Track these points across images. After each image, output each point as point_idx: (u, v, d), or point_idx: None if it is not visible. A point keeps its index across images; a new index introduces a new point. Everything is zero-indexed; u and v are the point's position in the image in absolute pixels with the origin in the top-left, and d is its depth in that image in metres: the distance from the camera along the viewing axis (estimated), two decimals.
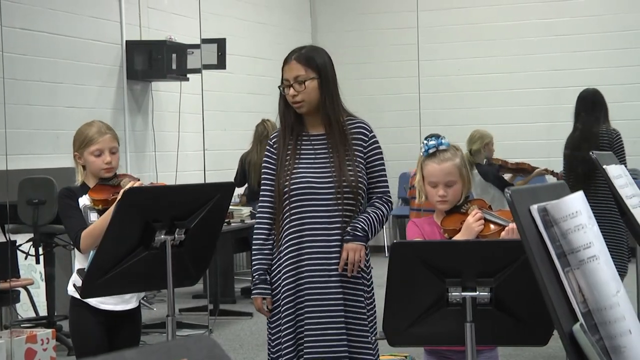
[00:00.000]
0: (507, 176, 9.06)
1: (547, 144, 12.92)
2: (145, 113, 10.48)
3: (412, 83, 12.34)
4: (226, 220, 8.38)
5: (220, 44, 10.52)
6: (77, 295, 4.23)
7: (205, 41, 9.91)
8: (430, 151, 3.87)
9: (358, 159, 4.15)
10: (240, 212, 9.57)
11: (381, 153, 4.23)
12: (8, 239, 7.15)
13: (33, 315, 8.03)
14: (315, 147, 4.18)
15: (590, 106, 7.72)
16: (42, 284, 8.08)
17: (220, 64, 10.56)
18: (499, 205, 7.87)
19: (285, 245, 4.11)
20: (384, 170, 4.23)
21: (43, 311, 7.99)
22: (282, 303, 4.11)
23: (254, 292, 4.17)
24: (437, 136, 4.05)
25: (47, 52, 9.02)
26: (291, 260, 4.10)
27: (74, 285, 4.03)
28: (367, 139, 4.20)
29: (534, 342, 3.35)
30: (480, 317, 3.10)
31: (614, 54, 12.67)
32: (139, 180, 4.37)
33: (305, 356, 4.07)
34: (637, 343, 1.80)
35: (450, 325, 3.15)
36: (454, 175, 3.83)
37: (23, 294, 7.71)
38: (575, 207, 1.84)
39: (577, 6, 12.95)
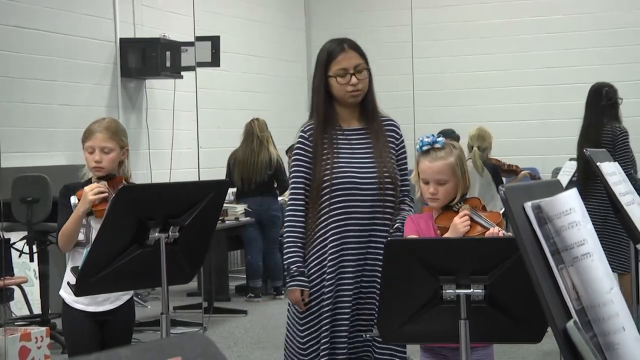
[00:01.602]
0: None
1: (540, 141, 12.94)
2: (139, 111, 10.47)
3: (406, 80, 12.34)
4: (220, 218, 8.38)
5: (214, 41, 10.51)
6: (66, 297, 4.24)
7: (199, 39, 9.91)
8: (424, 148, 3.87)
9: (393, 154, 4.17)
10: (235, 210, 9.57)
11: (406, 153, 4.27)
12: (2, 237, 7.14)
13: (27, 313, 8.03)
14: (352, 141, 4.15)
15: (590, 101, 7.68)
16: (36, 282, 8.07)
17: (214, 61, 10.56)
18: (497, 204, 7.87)
19: (329, 240, 4.07)
20: (407, 171, 4.24)
21: (37, 309, 7.99)
22: (324, 298, 4.07)
23: (291, 284, 4.10)
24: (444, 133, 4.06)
25: (42, 50, 9.01)
26: (334, 255, 4.07)
27: (68, 283, 4.02)
28: (398, 137, 4.23)
29: (528, 339, 3.36)
30: (475, 314, 3.10)
31: (607, 51, 12.69)
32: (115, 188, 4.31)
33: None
34: (631, 340, 1.81)
35: (444, 322, 3.15)
36: (445, 174, 3.83)
37: (17, 292, 7.70)
38: (569, 204, 1.84)
39: (570, 4, 12.97)
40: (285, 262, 4.17)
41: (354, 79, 4.11)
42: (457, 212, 3.82)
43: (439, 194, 3.83)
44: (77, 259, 4.13)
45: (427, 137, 3.90)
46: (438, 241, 3.53)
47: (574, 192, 1.88)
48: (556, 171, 10.73)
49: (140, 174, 10.33)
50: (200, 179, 9.16)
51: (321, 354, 4.05)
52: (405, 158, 4.25)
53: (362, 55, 4.20)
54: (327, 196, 4.08)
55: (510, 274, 3.05)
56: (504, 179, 8.98)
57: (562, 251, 1.83)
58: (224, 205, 7.27)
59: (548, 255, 1.81)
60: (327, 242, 4.09)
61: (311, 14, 14.15)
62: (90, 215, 4.16)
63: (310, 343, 4.10)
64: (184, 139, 10.65)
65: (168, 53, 10.04)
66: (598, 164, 3.58)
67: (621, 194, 3.52)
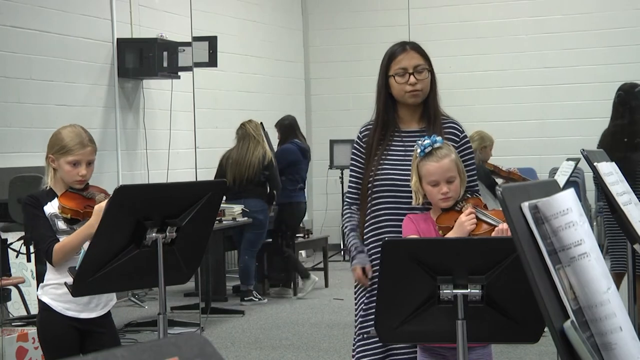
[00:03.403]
0: (498, 181, 9.06)
1: (538, 141, 12.94)
2: (137, 111, 10.47)
3: None
4: (217, 219, 8.37)
5: (212, 41, 10.52)
6: (46, 300, 4.19)
7: (196, 39, 9.91)
8: (427, 150, 3.85)
9: None
10: (232, 210, 9.56)
11: (472, 153, 4.23)
12: None
13: (24, 313, 8.01)
14: (406, 143, 4.14)
15: (622, 101, 7.69)
16: (34, 282, 8.06)
17: (212, 61, 10.56)
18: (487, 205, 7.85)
19: (368, 242, 4.11)
20: (474, 170, 4.18)
21: (34, 310, 7.97)
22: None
23: (353, 263, 4.13)
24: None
25: (39, 50, 9.01)
26: (374, 257, 4.10)
27: (65, 284, 4.01)
28: (458, 139, 4.16)
29: (525, 339, 3.36)
30: (472, 314, 3.10)
31: (605, 51, 12.69)
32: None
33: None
34: (628, 340, 1.81)
35: (442, 322, 3.15)
36: (453, 170, 3.83)
37: (14, 292, 7.70)
38: (566, 204, 1.84)
39: (567, 4, 12.97)
40: (347, 248, 4.21)
41: (412, 79, 4.11)
42: (459, 212, 3.80)
43: (451, 191, 3.81)
44: (64, 266, 4.09)
45: (426, 140, 3.87)
46: (435, 241, 3.53)
47: (570, 193, 1.88)
48: (553, 171, 10.74)
49: (138, 174, 10.33)
50: (198, 179, 9.17)
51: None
52: (471, 158, 4.18)
53: (424, 56, 4.22)
54: (370, 197, 4.11)
55: (507, 274, 3.06)
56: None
57: (559, 251, 1.83)
58: (221, 205, 7.26)
59: (545, 255, 1.81)
60: (370, 242, 4.12)
61: (308, 14, 14.15)
62: (78, 222, 4.12)
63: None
64: (181, 139, 10.64)
65: (165, 53, 10.04)
66: (595, 164, 3.58)
67: (618, 194, 3.52)
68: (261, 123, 10.71)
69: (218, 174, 9.82)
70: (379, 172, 4.10)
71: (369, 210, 4.11)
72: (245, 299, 9.81)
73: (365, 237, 4.13)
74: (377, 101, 4.22)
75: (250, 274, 9.90)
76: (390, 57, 4.19)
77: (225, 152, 9.92)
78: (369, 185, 4.10)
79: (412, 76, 4.11)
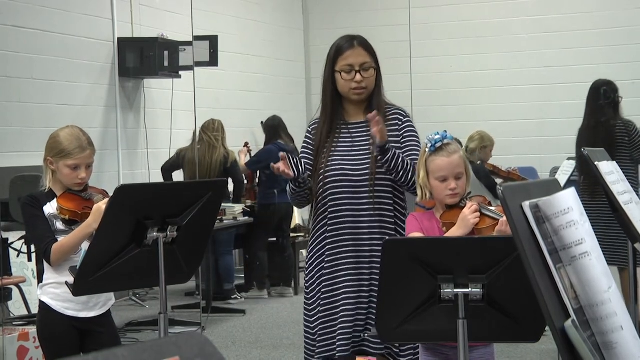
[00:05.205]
0: (497, 181, 9.07)
1: (538, 141, 12.94)
2: (137, 110, 10.47)
3: (404, 80, 12.34)
4: (218, 218, 8.36)
5: (212, 41, 10.52)
6: (46, 299, 4.19)
7: (197, 38, 9.90)
8: (437, 145, 3.84)
9: (394, 146, 4.15)
10: (233, 210, 9.56)
11: (415, 135, 4.23)
12: (0, 236, 7.14)
13: (25, 313, 8.01)
14: (353, 135, 4.21)
15: (592, 99, 7.77)
16: (34, 282, 8.06)
17: (212, 61, 10.56)
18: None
19: (327, 235, 4.16)
20: (416, 149, 4.17)
21: (35, 309, 7.97)
22: (320, 296, 4.18)
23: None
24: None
25: (39, 50, 9.01)
26: (330, 252, 4.16)
27: (66, 283, 4.01)
28: (401, 123, 4.22)
29: (526, 339, 3.36)
30: (473, 313, 3.10)
31: (604, 51, 12.69)
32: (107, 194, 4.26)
33: (339, 343, 4.11)
34: (629, 339, 1.81)
35: (442, 322, 3.15)
36: (462, 167, 3.83)
37: (15, 292, 7.70)
38: (567, 203, 1.84)
39: (567, 3, 12.97)
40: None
41: (358, 76, 4.14)
42: (462, 208, 3.80)
43: (459, 188, 3.80)
44: (62, 265, 4.09)
45: (436, 135, 3.86)
46: (436, 240, 3.52)
47: (571, 192, 1.88)
48: (554, 170, 10.73)
49: (139, 173, 10.33)
50: (198, 179, 9.16)
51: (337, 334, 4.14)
52: (412, 138, 4.22)
53: (371, 53, 4.23)
54: (322, 189, 4.18)
55: (508, 273, 3.05)
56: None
57: (560, 250, 1.83)
58: (222, 204, 7.25)
59: (546, 254, 1.81)
60: (323, 232, 4.18)
61: (309, 14, 14.15)
62: (77, 223, 4.12)
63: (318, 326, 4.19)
64: (182, 138, 10.63)
65: (166, 53, 10.03)
66: (596, 163, 3.58)
67: (619, 193, 3.52)
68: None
69: (173, 165, 9.76)
70: (329, 163, 4.16)
71: (322, 203, 4.18)
72: (232, 297, 9.82)
73: (321, 227, 4.19)
74: (323, 95, 4.27)
75: (232, 273, 9.96)
76: (337, 52, 4.21)
77: (182, 149, 9.83)
78: (320, 177, 4.17)
79: (358, 74, 4.15)
